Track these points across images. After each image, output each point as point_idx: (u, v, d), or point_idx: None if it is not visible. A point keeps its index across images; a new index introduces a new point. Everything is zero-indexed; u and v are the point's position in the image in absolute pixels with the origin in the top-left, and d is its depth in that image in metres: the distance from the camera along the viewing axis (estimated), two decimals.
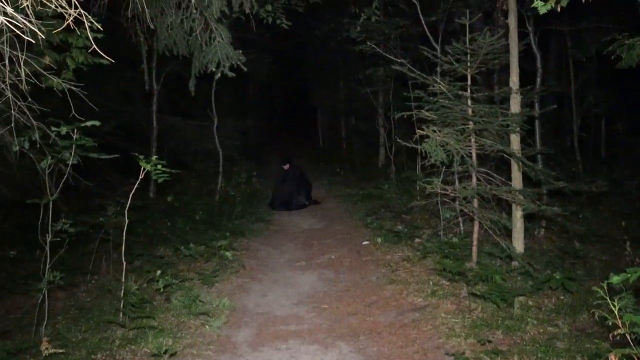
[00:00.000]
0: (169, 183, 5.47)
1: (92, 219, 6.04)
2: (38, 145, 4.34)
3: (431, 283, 5.27)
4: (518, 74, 5.25)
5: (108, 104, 8.92)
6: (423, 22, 7.68)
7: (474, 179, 5.33)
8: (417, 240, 6.70)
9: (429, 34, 7.58)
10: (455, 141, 5.01)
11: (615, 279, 2.46)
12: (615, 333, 2.41)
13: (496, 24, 6.79)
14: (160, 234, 7.33)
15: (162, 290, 4.93)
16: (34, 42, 2.54)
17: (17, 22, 2.07)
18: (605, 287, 2.45)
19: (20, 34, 2.22)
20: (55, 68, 4.51)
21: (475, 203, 5.35)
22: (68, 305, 4.98)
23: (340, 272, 6.02)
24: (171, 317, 4.65)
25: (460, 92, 5.28)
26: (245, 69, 6.79)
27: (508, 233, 5.49)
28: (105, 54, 2.93)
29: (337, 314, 4.78)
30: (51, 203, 4.24)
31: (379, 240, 6.98)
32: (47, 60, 4.38)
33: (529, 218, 6.04)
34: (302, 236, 7.91)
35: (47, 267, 4.23)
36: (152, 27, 6.24)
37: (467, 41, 5.12)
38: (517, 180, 5.31)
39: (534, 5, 3.02)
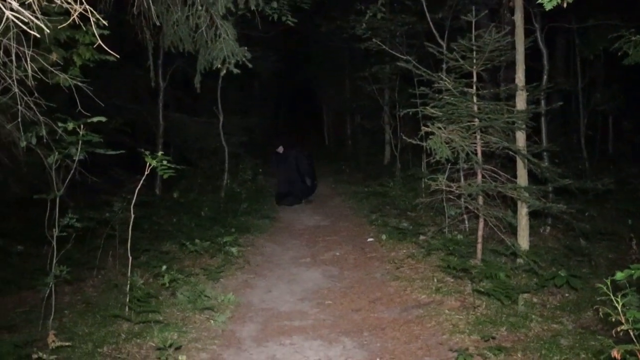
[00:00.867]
0: (174, 179, 5.51)
1: (99, 214, 6.11)
2: (45, 141, 4.38)
3: (435, 280, 5.26)
4: (524, 70, 5.23)
5: (114, 101, 8.99)
6: (429, 19, 7.67)
7: (479, 176, 5.32)
8: (421, 237, 6.69)
9: (434, 31, 7.57)
10: (460, 138, 5.01)
11: (619, 275, 2.46)
12: (619, 329, 2.41)
13: (502, 21, 6.75)
14: (165, 230, 7.38)
15: (167, 285, 4.96)
16: (39, 37, 2.56)
17: (23, 16, 2.09)
18: (609, 284, 2.44)
19: (27, 29, 2.24)
20: (62, 64, 4.54)
21: (480, 200, 5.34)
22: (74, 299, 5.03)
23: (345, 269, 6.03)
24: (176, 311, 4.68)
25: (466, 89, 5.27)
26: (250, 66, 6.80)
27: (513, 230, 5.49)
28: (111, 50, 2.95)
29: (341, 310, 4.79)
30: (58, 198, 4.27)
31: (384, 237, 6.98)
32: (54, 57, 4.40)
33: (534, 215, 6.04)
34: (307, 233, 7.92)
35: (54, 261, 4.28)
36: (158, 23, 6.27)
37: (473, 38, 5.11)
38: (522, 178, 5.30)
39: (539, 0, 3.01)
